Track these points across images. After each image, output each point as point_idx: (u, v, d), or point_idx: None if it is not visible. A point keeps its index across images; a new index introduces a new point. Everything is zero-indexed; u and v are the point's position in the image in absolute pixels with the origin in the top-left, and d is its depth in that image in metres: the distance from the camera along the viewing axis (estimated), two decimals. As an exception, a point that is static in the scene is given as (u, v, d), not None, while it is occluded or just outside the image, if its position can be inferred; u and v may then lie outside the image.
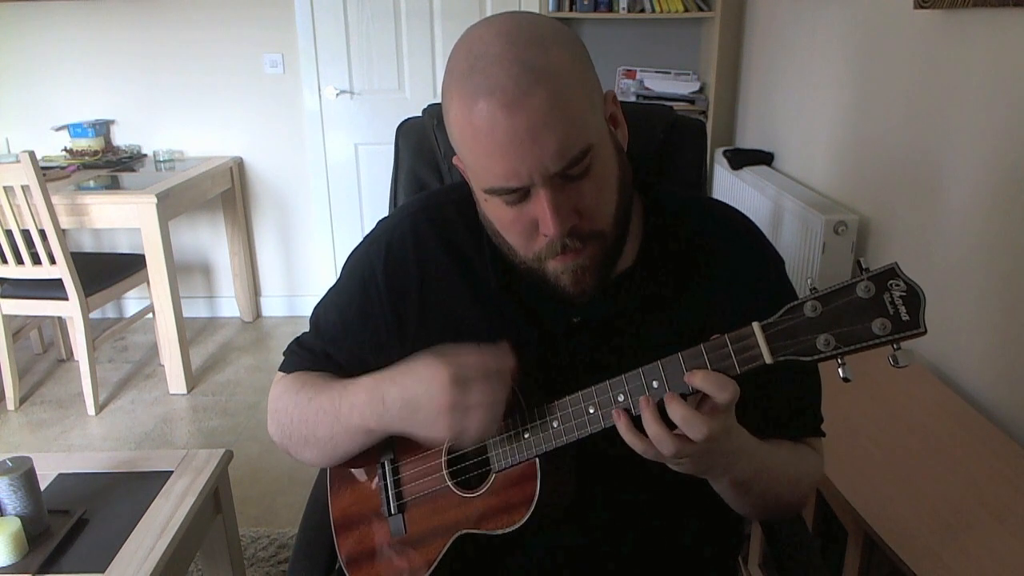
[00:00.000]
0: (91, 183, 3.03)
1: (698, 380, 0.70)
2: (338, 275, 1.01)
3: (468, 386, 0.77)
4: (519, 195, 0.76)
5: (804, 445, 0.92)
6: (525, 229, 0.79)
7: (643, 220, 0.89)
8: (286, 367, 1.03)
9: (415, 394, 0.81)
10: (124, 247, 3.64)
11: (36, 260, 2.67)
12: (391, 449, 0.93)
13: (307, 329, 1.04)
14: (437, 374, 0.78)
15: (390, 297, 0.93)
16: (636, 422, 0.74)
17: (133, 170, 3.26)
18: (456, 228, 0.93)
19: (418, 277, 0.93)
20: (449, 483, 0.88)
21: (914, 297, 0.64)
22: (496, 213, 0.80)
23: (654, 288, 0.87)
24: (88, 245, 3.71)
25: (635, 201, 0.90)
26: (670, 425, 0.71)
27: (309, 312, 1.04)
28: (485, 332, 0.89)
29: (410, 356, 0.85)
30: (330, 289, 1.02)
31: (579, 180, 0.75)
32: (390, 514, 0.92)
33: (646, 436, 0.72)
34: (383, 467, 0.94)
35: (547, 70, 0.72)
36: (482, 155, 0.74)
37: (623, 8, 3.11)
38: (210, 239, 3.67)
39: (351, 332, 0.96)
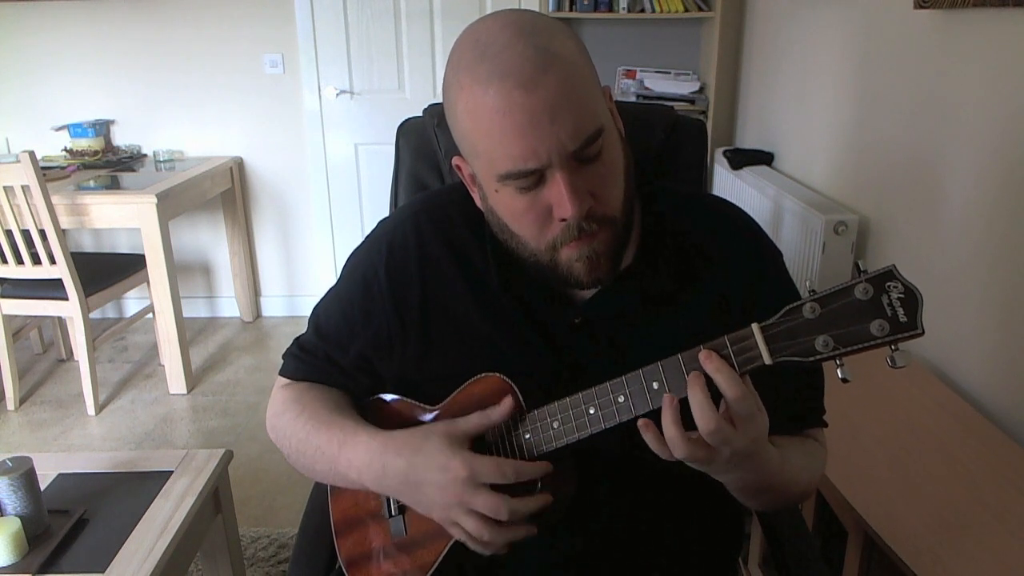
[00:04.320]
0: (91, 183, 3.03)
1: (712, 364, 0.69)
2: (338, 275, 1.01)
3: (478, 491, 0.78)
4: (534, 179, 0.76)
5: (810, 439, 0.93)
6: (538, 217, 0.78)
7: (641, 218, 0.90)
8: (286, 371, 1.03)
9: (423, 477, 0.80)
10: (124, 247, 3.64)
11: (36, 260, 2.67)
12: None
13: (307, 329, 1.03)
14: (455, 468, 0.78)
15: (392, 296, 0.93)
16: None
17: (133, 170, 3.26)
18: (457, 227, 0.93)
19: (420, 276, 0.93)
20: (450, 484, 0.87)
21: (912, 299, 0.64)
22: (507, 203, 0.80)
23: (654, 286, 0.87)
24: (88, 245, 3.71)
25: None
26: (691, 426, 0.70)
27: (309, 312, 1.03)
28: (487, 331, 0.89)
29: (418, 427, 0.84)
30: (330, 289, 1.02)
31: (592, 163, 0.76)
32: (391, 515, 0.92)
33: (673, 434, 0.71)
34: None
35: (558, 53, 0.73)
36: (498, 138, 0.74)
37: (623, 8, 3.11)
38: (210, 239, 3.67)
39: (353, 331, 0.96)
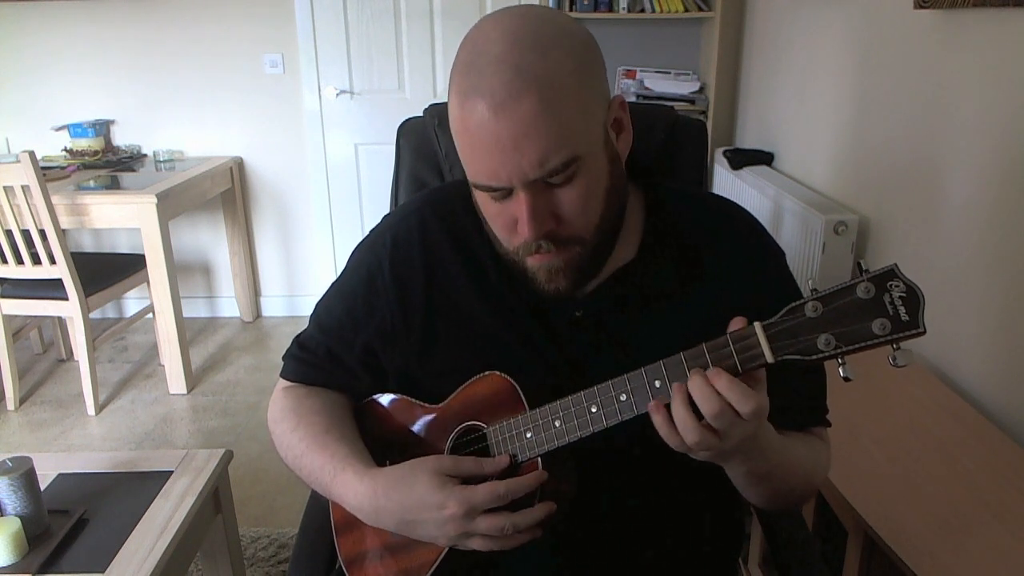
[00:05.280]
0: (91, 183, 3.03)
1: (722, 383, 0.69)
2: (339, 272, 1.01)
3: (478, 519, 0.78)
4: (502, 193, 0.77)
5: (815, 437, 0.92)
6: (507, 224, 0.81)
7: (644, 215, 0.90)
8: (287, 372, 1.03)
9: (419, 516, 0.81)
10: (124, 247, 3.64)
11: (36, 260, 2.67)
12: (392, 450, 0.93)
13: (308, 325, 1.03)
14: (451, 506, 0.78)
15: (396, 290, 0.93)
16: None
17: (133, 170, 3.26)
18: (461, 222, 0.93)
19: (424, 270, 0.93)
20: (450, 483, 0.87)
21: (913, 297, 0.64)
22: (483, 204, 0.83)
23: (655, 282, 0.87)
24: (88, 245, 3.71)
25: (636, 196, 0.91)
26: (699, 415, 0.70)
27: (309, 312, 1.03)
28: (489, 325, 0.89)
29: (405, 464, 0.83)
30: (333, 283, 1.02)
31: (561, 187, 0.77)
32: (391, 514, 0.92)
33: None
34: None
35: (541, 77, 0.72)
36: (468, 151, 0.77)
37: (623, 8, 3.11)
38: (210, 239, 3.67)
39: (357, 324, 0.96)
